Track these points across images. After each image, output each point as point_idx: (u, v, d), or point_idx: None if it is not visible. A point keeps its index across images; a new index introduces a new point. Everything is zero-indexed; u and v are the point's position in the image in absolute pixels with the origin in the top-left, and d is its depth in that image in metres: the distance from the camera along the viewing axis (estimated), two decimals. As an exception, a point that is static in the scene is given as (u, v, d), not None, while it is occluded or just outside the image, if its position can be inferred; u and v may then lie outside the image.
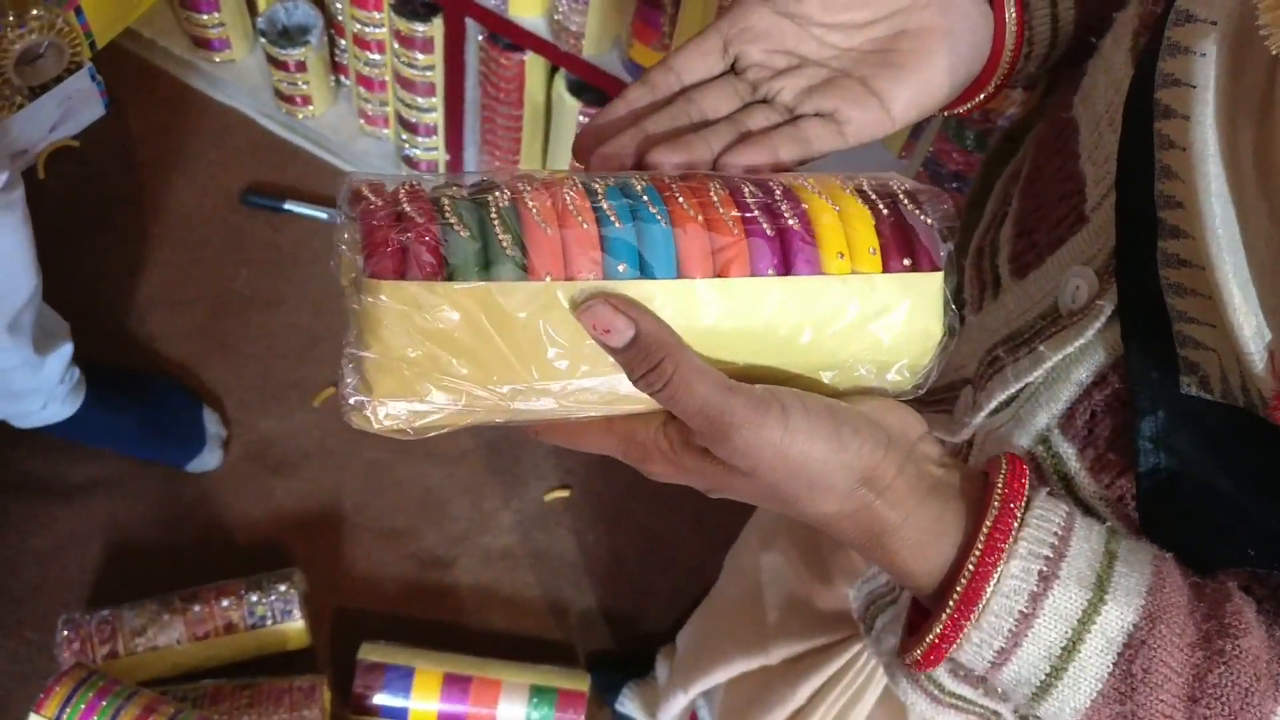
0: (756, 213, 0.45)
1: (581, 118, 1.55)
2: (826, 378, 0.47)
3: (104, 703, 1.30)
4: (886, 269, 0.46)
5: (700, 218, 0.44)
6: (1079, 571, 0.44)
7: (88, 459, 1.64)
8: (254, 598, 1.48)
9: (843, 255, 0.45)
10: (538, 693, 1.47)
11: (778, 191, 0.46)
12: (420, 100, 1.70)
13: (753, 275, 0.44)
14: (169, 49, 1.94)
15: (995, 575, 0.43)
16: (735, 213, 0.44)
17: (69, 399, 1.53)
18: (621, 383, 0.44)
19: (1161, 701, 0.43)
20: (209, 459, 1.66)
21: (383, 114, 1.85)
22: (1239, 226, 0.43)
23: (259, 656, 1.50)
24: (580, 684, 1.49)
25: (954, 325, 0.48)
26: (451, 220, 0.41)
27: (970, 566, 0.44)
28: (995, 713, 0.63)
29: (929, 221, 0.47)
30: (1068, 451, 0.53)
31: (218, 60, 1.93)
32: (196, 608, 1.46)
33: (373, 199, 0.42)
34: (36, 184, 1.29)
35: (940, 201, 0.48)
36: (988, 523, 0.44)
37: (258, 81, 1.92)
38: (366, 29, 1.68)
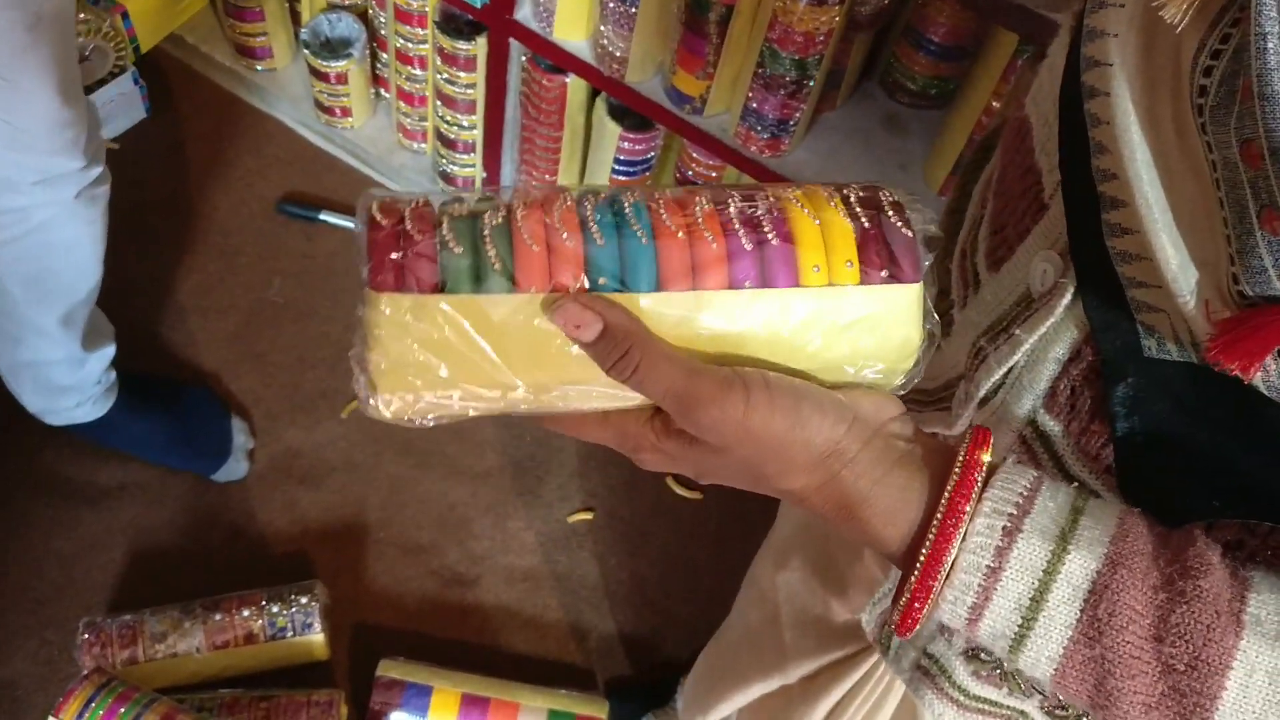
0: (738, 227, 0.47)
1: (623, 143, 1.55)
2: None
3: (123, 709, 1.30)
4: (864, 281, 0.48)
5: (682, 233, 0.47)
6: (1042, 526, 0.46)
7: (115, 463, 1.65)
8: (275, 608, 1.48)
9: (818, 268, 0.47)
10: (555, 718, 1.46)
11: (762, 206, 0.48)
12: (460, 118, 1.70)
13: (730, 288, 0.47)
14: (212, 55, 1.95)
15: (960, 532, 0.46)
16: (717, 227, 0.47)
17: (101, 400, 1.54)
18: (601, 383, 0.47)
19: (1128, 643, 0.44)
20: (235, 469, 1.67)
21: (421, 129, 1.86)
22: (1164, 189, 0.46)
23: (278, 668, 1.50)
24: (599, 710, 1.49)
25: (934, 332, 0.50)
26: (448, 238, 0.45)
27: (934, 527, 0.46)
28: (1022, 713, 0.64)
29: (909, 234, 0.49)
30: (1054, 429, 0.56)
31: (260, 69, 1.94)
32: (217, 616, 1.46)
33: (379, 217, 0.46)
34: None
35: (924, 213, 0.50)
36: (951, 483, 0.46)
37: (299, 91, 1.93)
38: (410, 45, 1.68)
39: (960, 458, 0.47)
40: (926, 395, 0.68)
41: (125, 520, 1.62)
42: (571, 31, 1.45)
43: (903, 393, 0.51)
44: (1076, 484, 0.49)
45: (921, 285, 0.49)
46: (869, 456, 0.47)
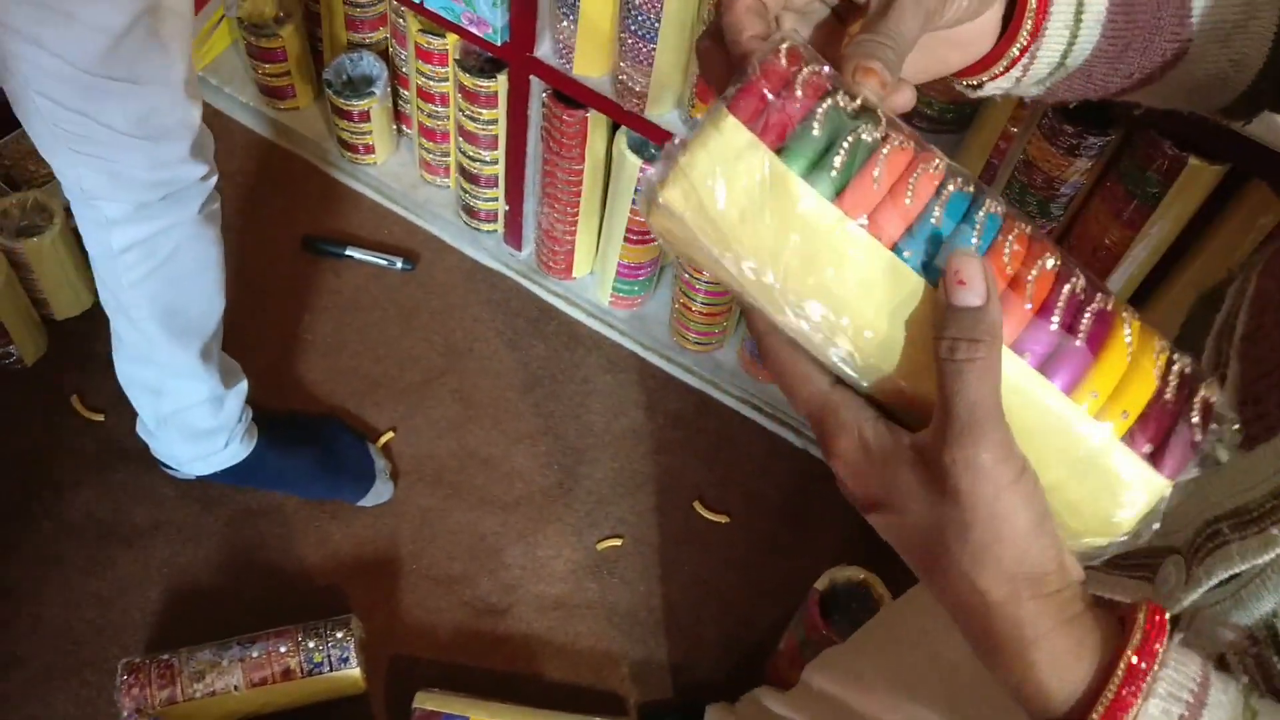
0: (1061, 303, 0.44)
1: (641, 174, 1.57)
2: None
3: (164, 749, 1.32)
4: (1124, 439, 0.44)
5: (1010, 269, 0.44)
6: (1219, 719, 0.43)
7: (148, 502, 1.67)
8: (311, 644, 1.49)
9: (1096, 395, 0.44)
10: (590, 747, 1.47)
11: (1095, 302, 0.45)
12: (483, 153, 1.73)
13: (1010, 346, 0.44)
14: (237, 97, 1.98)
15: (1135, 707, 0.42)
16: (1044, 290, 0.44)
17: (246, 439, 1.57)
18: (855, 337, 0.45)
19: None
20: (382, 491, 1.69)
21: (444, 164, 1.88)
22: None
23: (316, 703, 1.52)
24: (632, 738, 1.50)
25: (1144, 534, 0.45)
26: (818, 119, 0.44)
27: (1109, 693, 0.42)
28: None
29: (1197, 439, 0.44)
30: None
31: (283, 108, 1.97)
32: (254, 653, 1.48)
33: (782, 61, 0.45)
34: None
35: (1227, 434, 0.45)
36: (1129, 651, 0.43)
37: (321, 129, 1.96)
38: (431, 83, 1.71)
39: (1140, 624, 0.43)
40: (1123, 558, 0.61)
41: (161, 559, 1.64)
42: (591, 68, 1.47)
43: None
44: (1245, 680, 0.46)
45: (1168, 487, 0.44)
46: (1058, 600, 0.43)
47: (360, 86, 1.83)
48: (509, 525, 1.73)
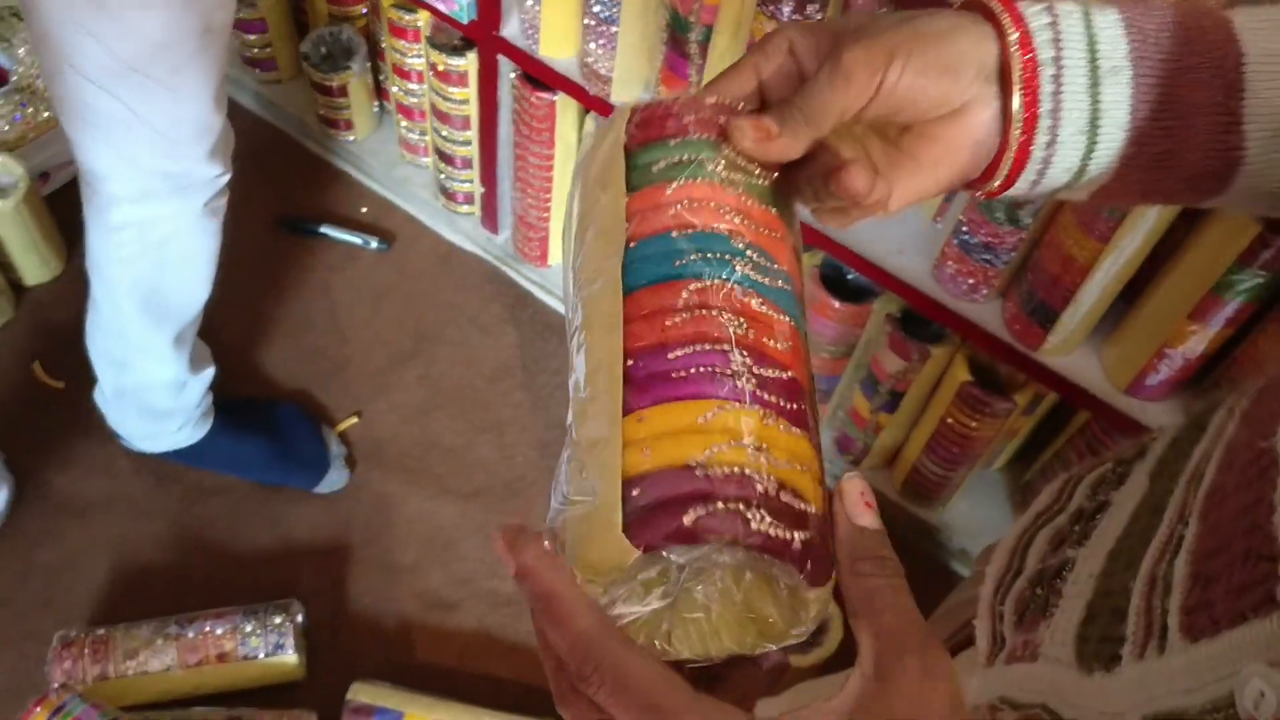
0: (704, 345, 0.42)
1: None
2: None
3: (84, 728, 1.30)
4: (634, 476, 0.40)
5: (707, 307, 0.43)
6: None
7: (101, 475, 1.65)
8: (249, 627, 1.46)
9: (641, 420, 0.41)
10: (525, 749, 1.43)
11: (749, 379, 0.42)
12: (456, 133, 1.68)
13: (644, 349, 0.43)
14: (219, 67, 1.95)
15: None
16: (711, 328, 0.43)
17: (200, 423, 1.56)
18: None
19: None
20: (336, 479, 1.66)
21: (423, 143, 1.84)
22: None
23: (252, 687, 1.49)
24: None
25: (632, 592, 0.41)
26: (681, 138, 0.47)
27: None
28: None
29: (687, 522, 0.38)
30: None
31: (264, 79, 1.94)
32: (190, 634, 1.45)
33: (700, 99, 0.49)
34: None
35: (722, 558, 0.40)
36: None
37: (303, 104, 1.92)
38: (406, 59, 1.67)
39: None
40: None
41: (111, 533, 1.62)
42: (558, 49, 1.43)
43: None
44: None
45: (631, 552, 0.39)
46: None
47: (339, 60, 1.79)
48: (467, 517, 1.69)
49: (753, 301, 0.43)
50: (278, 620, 1.47)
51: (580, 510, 0.40)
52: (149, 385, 1.45)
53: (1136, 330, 1.24)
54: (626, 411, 0.41)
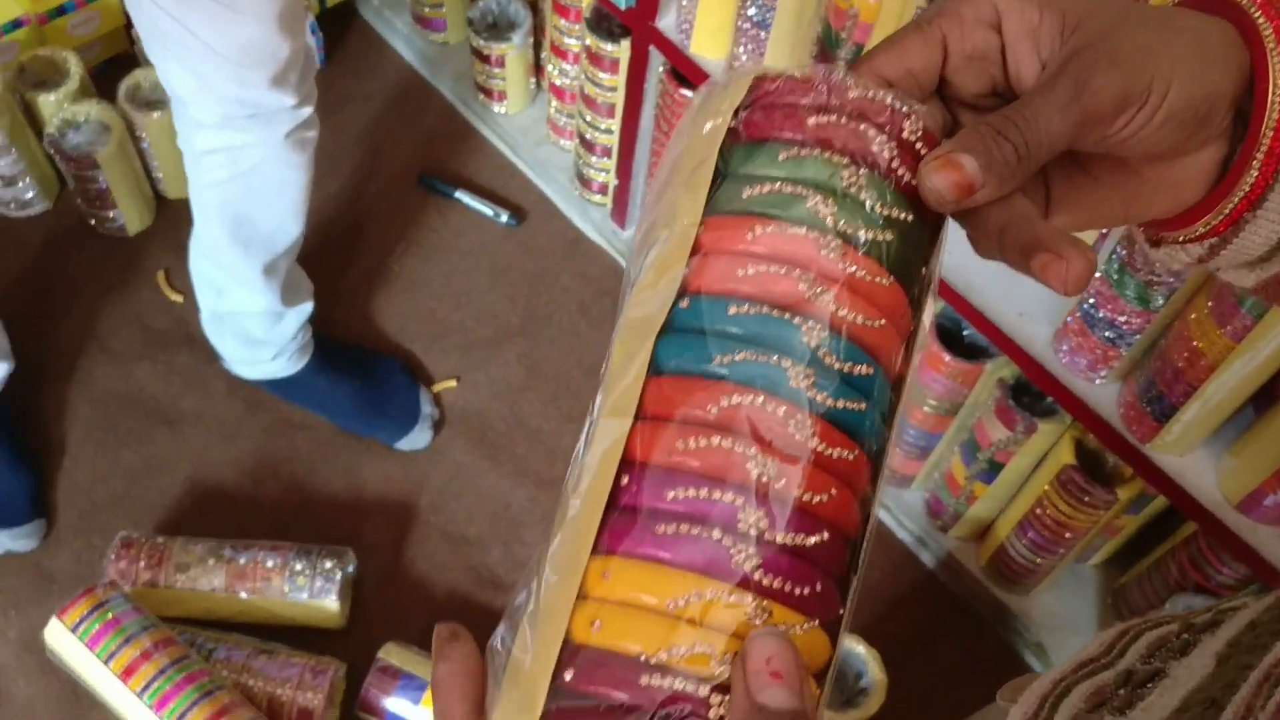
0: (729, 494, 0.33)
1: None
2: None
3: (123, 623, 1.32)
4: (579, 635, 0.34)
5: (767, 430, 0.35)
6: None
7: (199, 391, 1.68)
8: (299, 565, 1.47)
9: (607, 576, 0.34)
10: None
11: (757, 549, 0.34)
12: (600, 120, 1.67)
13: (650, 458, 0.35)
14: (392, 20, 1.98)
15: None
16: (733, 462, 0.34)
17: (296, 356, 1.57)
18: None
19: None
20: (419, 438, 1.67)
21: (571, 126, 1.83)
22: None
23: (292, 625, 1.49)
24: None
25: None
26: (800, 151, 0.37)
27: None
28: None
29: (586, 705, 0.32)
30: None
31: (432, 39, 1.96)
32: (243, 560, 1.46)
33: (863, 94, 0.38)
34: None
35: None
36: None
37: (464, 68, 1.94)
38: (564, 39, 1.66)
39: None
40: None
41: (194, 448, 1.65)
42: (709, 48, 1.39)
43: None
44: None
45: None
46: None
47: (503, 31, 1.80)
48: (537, 502, 1.67)
49: (800, 431, 0.34)
50: (329, 565, 1.47)
51: (515, 660, 0.34)
52: (243, 312, 1.48)
53: (1262, 441, 1.14)
54: (596, 548, 0.33)
